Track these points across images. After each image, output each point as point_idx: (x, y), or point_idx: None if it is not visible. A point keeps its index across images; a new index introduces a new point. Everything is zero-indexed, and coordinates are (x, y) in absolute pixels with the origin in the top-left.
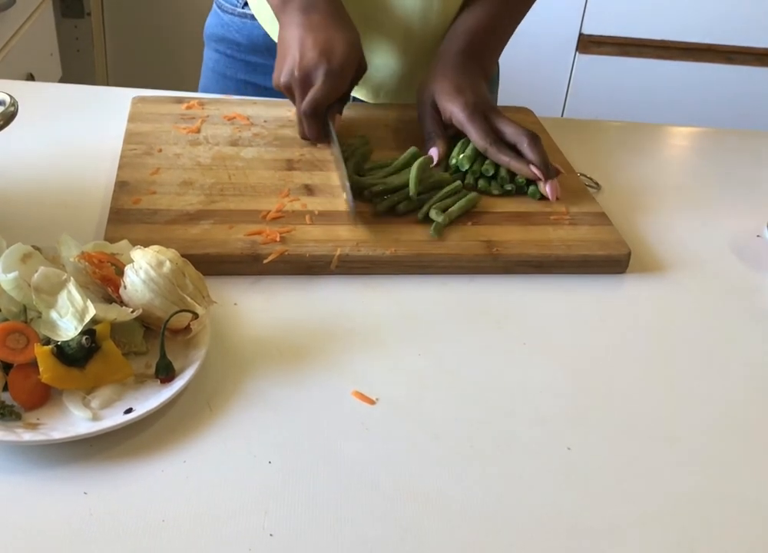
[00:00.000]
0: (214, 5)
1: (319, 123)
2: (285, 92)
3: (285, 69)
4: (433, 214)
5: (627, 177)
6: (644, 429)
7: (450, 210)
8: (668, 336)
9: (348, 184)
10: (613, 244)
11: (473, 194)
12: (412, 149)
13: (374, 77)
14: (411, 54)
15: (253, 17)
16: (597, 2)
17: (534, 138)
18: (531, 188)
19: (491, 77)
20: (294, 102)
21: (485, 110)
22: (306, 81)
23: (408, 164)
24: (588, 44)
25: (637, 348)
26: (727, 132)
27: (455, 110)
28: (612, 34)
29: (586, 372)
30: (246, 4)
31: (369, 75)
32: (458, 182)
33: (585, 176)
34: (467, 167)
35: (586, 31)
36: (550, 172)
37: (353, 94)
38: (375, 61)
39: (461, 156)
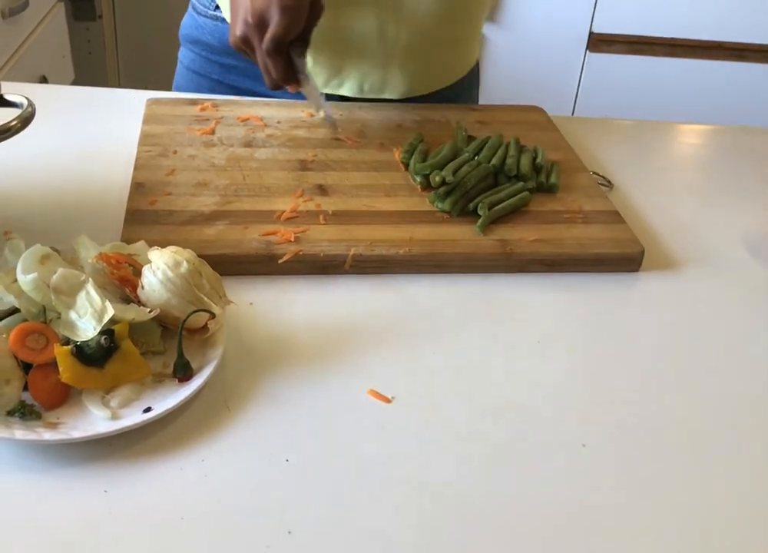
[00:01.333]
0: (189, 7)
1: (283, 61)
2: (245, 47)
3: (238, 22)
4: (480, 210)
5: (639, 175)
6: (659, 427)
7: (497, 207)
8: (682, 334)
9: (322, 95)
10: (626, 242)
11: (525, 193)
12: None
13: (354, 71)
14: (386, 44)
15: (224, 20)
16: (607, 1)
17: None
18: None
19: None
20: (254, 55)
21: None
22: (262, 25)
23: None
24: (598, 42)
25: (651, 346)
26: (739, 129)
27: None
28: (622, 33)
29: (600, 370)
30: (218, 6)
31: (348, 70)
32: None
33: (598, 174)
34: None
35: (596, 29)
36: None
37: (340, 92)
38: (351, 53)
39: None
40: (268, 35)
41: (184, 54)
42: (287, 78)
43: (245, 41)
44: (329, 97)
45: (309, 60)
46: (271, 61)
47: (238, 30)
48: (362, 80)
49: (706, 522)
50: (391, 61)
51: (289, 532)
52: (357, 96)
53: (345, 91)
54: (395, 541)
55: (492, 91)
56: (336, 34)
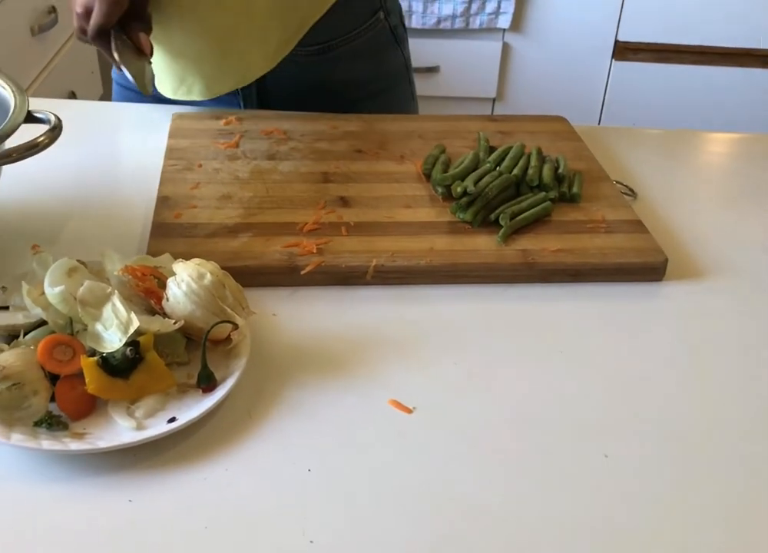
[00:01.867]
0: None
1: (108, 45)
2: (85, 37)
3: (74, 15)
4: (502, 220)
5: (663, 184)
6: (682, 437)
7: (519, 217)
8: (706, 344)
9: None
10: (649, 252)
11: (547, 203)
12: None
13: (197, 77)
14: (217, 44)
15: None
16: (632, 9)
17: None
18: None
19: None
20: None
21: None
22: (88, 14)
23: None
24: (624, 51)
25: (675, 355)
26: (765, 138)
27: None
28: (648, 41)
29: (623, 381)
30: None
31: (191, 77)
32: (542, 193)
33: (621, 183)
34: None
35: (621, 38)
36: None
37: (191, 97)
38: (186, 60)
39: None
40: (91, 24)
41: (114, 70)
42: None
43: (82, 31)
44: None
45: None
46: (98, 46)
47: (75, 22)
48: (208, 82)
49: (731, 536)
50: (228, 59)
51: (311, 541)
52: (207, 98)
53: (195, 95)
54: (415, 550)
55: (517, 101)
56: (168, 43)
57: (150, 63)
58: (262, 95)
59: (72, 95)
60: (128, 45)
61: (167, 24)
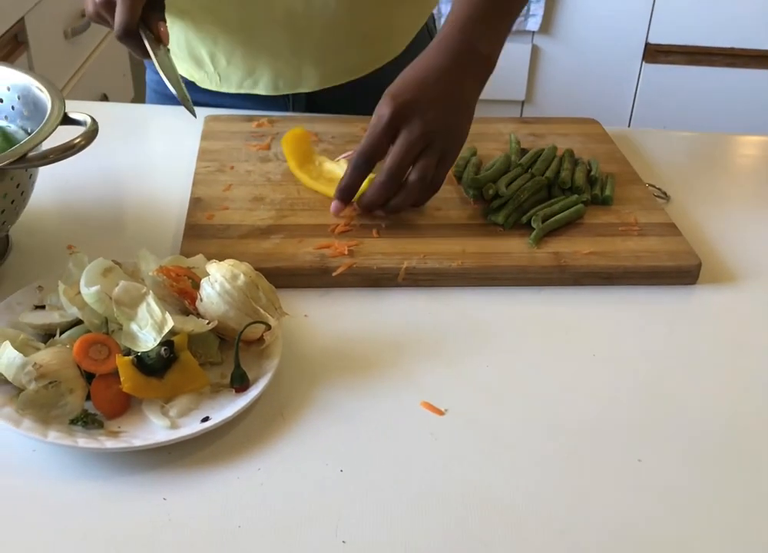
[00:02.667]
0: None
1: (137, 42)
2: (101, 22)
3: (88, 2)
4: (534, 222)
5: (696, 187)
6: (716, 442)
7: (551, 220)
8: (740, 348)
9: (182, 84)
10: (682, 255)
11: (580, 206)
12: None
13: (267, 70)
14: (297, 42)
15: None
16: (663, 12)
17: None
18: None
19: (492, 61)
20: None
21: (408, 117)
22: (108, 4)
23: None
24: (655, 53)
25: (708, 360)
26: None
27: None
28: (679, 43)
29: (656, 384)
30: None
31: (262, 70)
32: (575, 196)
33: (654, 186)
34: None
35: (652, 40)
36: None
37: (255, 91)
38: (263, 53)
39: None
40: (117, 23)
41: (149, 77)
42: (146, 55)
43: (99, 17)
44: (248, 97)
45: (185, 41)
46: (125, 45)
47: (90, 8)
48: (276, 77)
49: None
50: (304, 58)
51: (344, 541)
52: (272, 94)
53: (260, 89)
54: (447, 552)
55: (546, 103)
56: (247, 35)
57: (169, 50)
58: (310, 100)
59: (104, 97)
60: (150, 38)
61: (247, 20)
